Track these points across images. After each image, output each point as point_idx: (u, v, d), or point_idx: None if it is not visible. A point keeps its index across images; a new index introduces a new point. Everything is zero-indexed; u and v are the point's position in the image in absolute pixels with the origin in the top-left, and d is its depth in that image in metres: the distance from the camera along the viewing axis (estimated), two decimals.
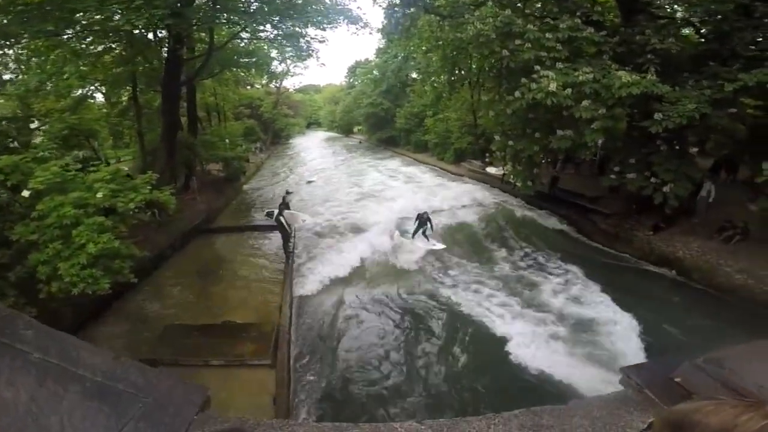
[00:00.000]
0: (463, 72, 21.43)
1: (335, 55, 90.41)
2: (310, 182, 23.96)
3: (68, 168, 7.84)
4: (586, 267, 10.81)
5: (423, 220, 12.43)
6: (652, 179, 10.78)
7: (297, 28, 15.28)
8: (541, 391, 6.29)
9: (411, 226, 13.18)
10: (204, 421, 2.77)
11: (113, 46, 15.16)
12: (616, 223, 12.95)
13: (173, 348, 7.34)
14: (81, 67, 14.77)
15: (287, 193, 17.10)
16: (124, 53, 15.40)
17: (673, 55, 10.60)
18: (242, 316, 8.60)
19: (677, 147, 10.86)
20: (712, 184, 11.53)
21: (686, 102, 9.24)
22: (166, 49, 15.32)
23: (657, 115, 9.57)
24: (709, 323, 8.01)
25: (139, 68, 16.02)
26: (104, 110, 21.16)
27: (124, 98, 19.94)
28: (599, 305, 8.78)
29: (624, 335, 7.56)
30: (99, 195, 7.11)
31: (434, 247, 12.25)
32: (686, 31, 12.86)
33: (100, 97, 21.35)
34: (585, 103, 9.88)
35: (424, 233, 12.49)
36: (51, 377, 2.56)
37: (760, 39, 9.96)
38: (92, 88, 18.67)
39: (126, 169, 11.79)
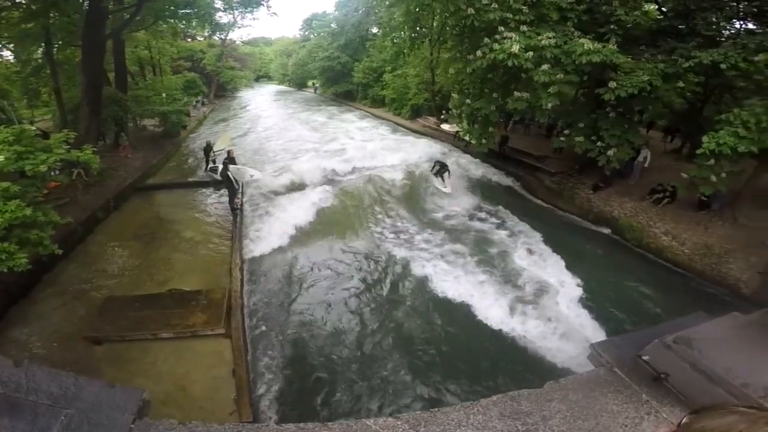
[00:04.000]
0: (424, 29, 20.64)
1: (288, 8, 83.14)
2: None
3: None
4: (531, 221, 11.50)
5: (442, 165, 14.08)
6: (599, 143, 11.37)
7: None
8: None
9: None
10: (144, 430, 2.48)
11: (20, 1, 13.47)
12: (560, 181, 13.81)
13: (116, 322, 6.78)
14: None
15: (208, 144, 16.02)
16: (33, 7, 13.47)
17: (632, 27, 10.89)
18: (190, 283, 8.13)
19: (624, 115, 11.42)
20: (648, 151, 12.43)
21: (640, 73, 9.63)
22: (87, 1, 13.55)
23: (611, 84, 9.90)
24: (637, 285, 8.77)
25: (54, 22, 14.36)
26: (15, 68, 18.94)
27: (38, 55, 17.88)
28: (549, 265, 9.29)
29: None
30: (0, 158, 6.05)
31: (444, 189, 13.71)
32: (647, 6, 13.16)
33: (9, 55, 19.13)
34: (545, 66, 9.96)
35: (441, 176, 13.99)
36: None
37: (718, 20, 10.44)
38: None
39: (34, 128, 10.23)
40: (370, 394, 5.85)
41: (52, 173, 8.01)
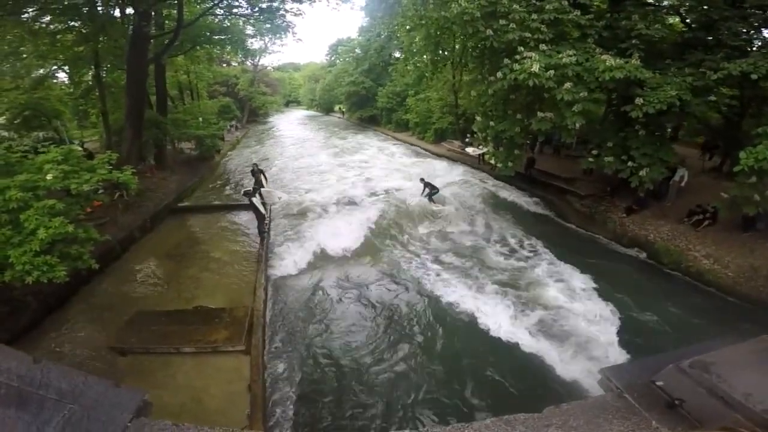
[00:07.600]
0: (446, 52, 20.94)
1: (316, 33, 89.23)
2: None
3: (14, 149, 7.30)
4: (561, 246, 11.06)
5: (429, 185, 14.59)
6: (629, 163, 10.93)
7: (273, 3, 14.61)
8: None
9: None
10: (139, 428, 2.61)
11: (74, 24, 14.66)
12: (591, 204, 13.27)
13: (142, 335, 7.03)
14: (40, 47, 14.32)
15: (255, 167, 16.45)
16: (84, 31, 14.74)
17: (656, 41, 10.64)
18: (215, 301, 8.33)
19: (655, 132, 11.00)
20: (685, 170, 11.84)
21: (668, 88, 9.34)
22: (132, 26, 14.63)
23: (638, 100, 9.61)
24: (677, 310, 8.21)
25: (102, 46, 15.45)
26: (68, 90, 20.49)
27: (88, 77, 19.24)
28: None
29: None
30: (49, 177, 6.58)
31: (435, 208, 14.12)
32: (671, 19, 12.90)
33: (63, 77, 20.73)
34: (567, 85, 9.81)
35: (430, 196, 14.51)
36: None
37: (745, 29, 10.13)
38: (54, 67, 18.38)
39: (80, 148, 11.10)
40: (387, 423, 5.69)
41: (99, 192, 8.61)
